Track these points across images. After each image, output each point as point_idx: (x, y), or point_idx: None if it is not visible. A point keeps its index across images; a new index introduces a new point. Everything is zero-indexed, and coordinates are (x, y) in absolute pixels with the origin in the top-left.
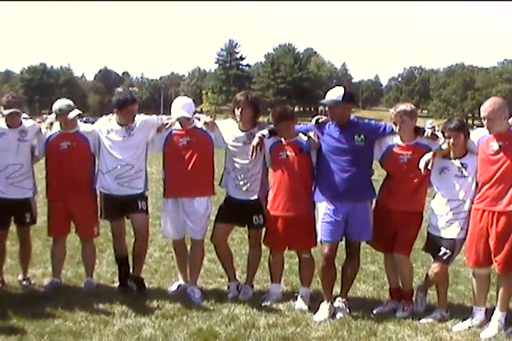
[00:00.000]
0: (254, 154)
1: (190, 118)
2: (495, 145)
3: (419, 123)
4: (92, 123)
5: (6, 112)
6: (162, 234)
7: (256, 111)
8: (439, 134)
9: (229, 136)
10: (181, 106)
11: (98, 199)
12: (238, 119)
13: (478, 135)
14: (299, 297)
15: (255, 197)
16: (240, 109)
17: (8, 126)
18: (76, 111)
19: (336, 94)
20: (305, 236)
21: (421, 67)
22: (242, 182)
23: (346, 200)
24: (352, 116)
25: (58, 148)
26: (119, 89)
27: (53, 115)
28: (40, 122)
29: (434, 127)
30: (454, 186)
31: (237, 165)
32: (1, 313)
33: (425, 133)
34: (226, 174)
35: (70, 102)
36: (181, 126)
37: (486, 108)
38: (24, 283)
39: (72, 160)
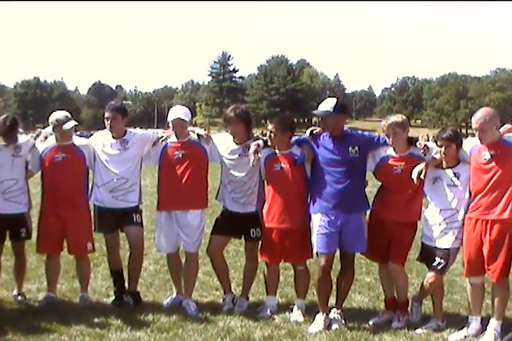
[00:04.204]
0: (254, 160)
1: (186, 121)
2: (487, 155)
3: (413, 133)
4: (87, 137)
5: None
6: (156, 248)
7: (247, 124)
8: (432, 144)
9: (224, 149)
10: (179, 110)
11: (92, 213)
12: (232, 134)
13: (470, 144)
14: (294, 309)
15: (253, 209)
16: (231, 126)
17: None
18: (72, 122)
19: (327, 105)
20: (300, 248)
21: (414, 77)
22: (239, 195)
23: (340, 212)
24: (346, 128)
25: (53, 159)
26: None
27: (48, 129)
28: (33, 136)
29: (427, 136)
30: (446, 195)
31: (233, 178)
32: None
33: (417, 145)
34: (222, 187)
35: (67, 113)
36: (177, 138)
37: (477, 119)
38: (19, 298)
39: (66, 171)
